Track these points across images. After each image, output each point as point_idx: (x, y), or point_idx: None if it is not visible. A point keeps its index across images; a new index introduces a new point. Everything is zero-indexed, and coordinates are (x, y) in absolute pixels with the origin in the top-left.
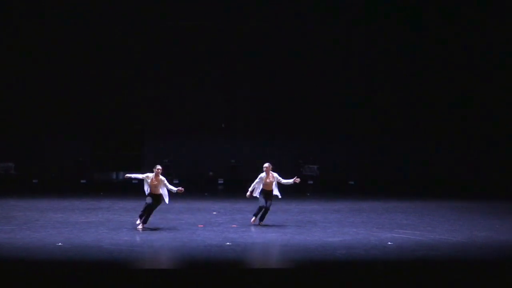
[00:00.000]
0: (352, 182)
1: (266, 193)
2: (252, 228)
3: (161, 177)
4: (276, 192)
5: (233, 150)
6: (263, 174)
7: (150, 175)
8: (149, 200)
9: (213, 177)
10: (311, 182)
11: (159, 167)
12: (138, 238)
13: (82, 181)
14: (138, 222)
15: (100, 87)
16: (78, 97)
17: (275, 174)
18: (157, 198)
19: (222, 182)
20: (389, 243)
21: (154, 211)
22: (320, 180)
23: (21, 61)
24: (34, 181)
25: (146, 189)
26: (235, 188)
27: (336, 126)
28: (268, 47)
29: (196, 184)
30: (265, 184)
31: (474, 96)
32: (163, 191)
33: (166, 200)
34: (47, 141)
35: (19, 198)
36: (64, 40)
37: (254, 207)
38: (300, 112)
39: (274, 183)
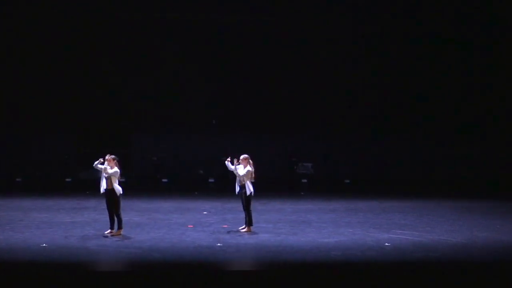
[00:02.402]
0: (348, 181)
1: (240, 190)
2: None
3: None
4: (247, 187)
5: (224, 147)
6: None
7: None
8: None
9: (203, 176)
10: (305, 180)
11: (112, 156)
12: (125, 239)
13: (67, 179)
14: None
15: (86, 82)
16: (63, 93)
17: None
18: (111, 193)
19: (213, 180)
20: (387, 244)
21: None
22: (315, 178)
23: (3, 58)
24: (17, 179)
25: (102, 187)
26: (227, 187)
27: (331, 123)
28: (262, 42)
29: (185, 182)
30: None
31: (475, 94)
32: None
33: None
34: (31, 138)
35: (1, 197)
36: (48, 34)
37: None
38: (294, 109)
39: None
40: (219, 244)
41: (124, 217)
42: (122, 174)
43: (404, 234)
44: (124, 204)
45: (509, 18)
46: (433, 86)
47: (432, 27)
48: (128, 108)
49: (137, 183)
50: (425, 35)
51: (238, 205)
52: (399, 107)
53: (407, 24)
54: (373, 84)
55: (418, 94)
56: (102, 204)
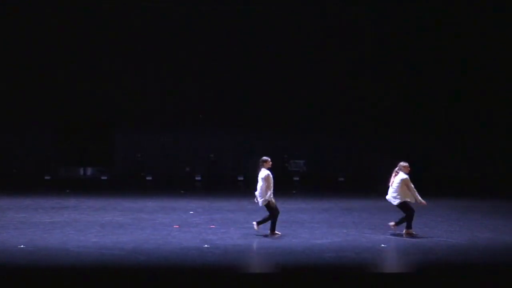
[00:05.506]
0: (342, 179)
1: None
2: (232, 229)
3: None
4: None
5: (212, 143)
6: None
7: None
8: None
9: (190, 173)
10: (297, 178)
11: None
12: (108, 240)
13: (46, 177)
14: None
15: (66, 75)
16: (41, 86)
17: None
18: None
19: (200, 178)
20: (383, 245)
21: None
22: (307, 176)
23: None
24: None
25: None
26: (214, 185)
27: (325, 119)
28: (252, 37)
29: (171, 181)
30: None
31: (475, 91)
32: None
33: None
34: (8, 134)
35: None
36: (26, 26)
37: (237, 205)
38: (285, 103)
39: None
40: (206, 246)
41: (106, 216)
42: (104, 171)
43: (401, 235)
44: (106, 203)
45: None
46: (432, 85)
47: (427, 23)
48: (110, 103)
49: (120, 181)
50: (420, 30)
51: (226, 204)
52: (397, 104)
53: (401, 18)
54: (370, 82)
55: (413, 88)
56: (83, 203)
